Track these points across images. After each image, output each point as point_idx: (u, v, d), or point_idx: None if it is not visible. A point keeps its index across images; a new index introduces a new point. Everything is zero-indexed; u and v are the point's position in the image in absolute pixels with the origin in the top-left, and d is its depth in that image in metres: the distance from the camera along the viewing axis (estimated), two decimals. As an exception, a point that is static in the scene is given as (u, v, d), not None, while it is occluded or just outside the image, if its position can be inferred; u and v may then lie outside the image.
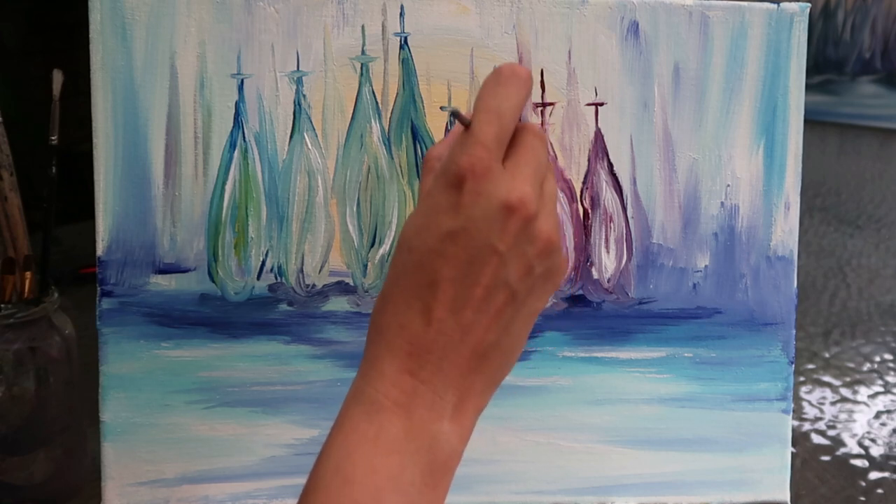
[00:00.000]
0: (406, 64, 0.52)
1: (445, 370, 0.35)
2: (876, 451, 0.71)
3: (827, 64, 1.72)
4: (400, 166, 0.53)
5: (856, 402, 0.80)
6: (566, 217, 0.54)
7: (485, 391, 0.36)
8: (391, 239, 0.53)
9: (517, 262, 0.35)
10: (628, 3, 0.53)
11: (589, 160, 0.54)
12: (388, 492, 0.33)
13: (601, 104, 0.54)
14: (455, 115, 0.37)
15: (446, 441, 0.35)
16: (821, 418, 0.76)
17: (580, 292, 0.55)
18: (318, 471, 0.34)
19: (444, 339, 0.35)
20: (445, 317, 0.34)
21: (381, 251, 0.53)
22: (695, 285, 0.55)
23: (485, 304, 0.35)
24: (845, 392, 0.82)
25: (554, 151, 0.54)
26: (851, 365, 0.88)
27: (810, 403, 0.79)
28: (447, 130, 0.53)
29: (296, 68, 0.52)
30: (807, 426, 0.75)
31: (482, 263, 0.34)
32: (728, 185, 0.55)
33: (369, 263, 0.53)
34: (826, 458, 0.70)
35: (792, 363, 0.56)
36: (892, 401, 0.80)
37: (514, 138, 0.36)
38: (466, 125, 0.35)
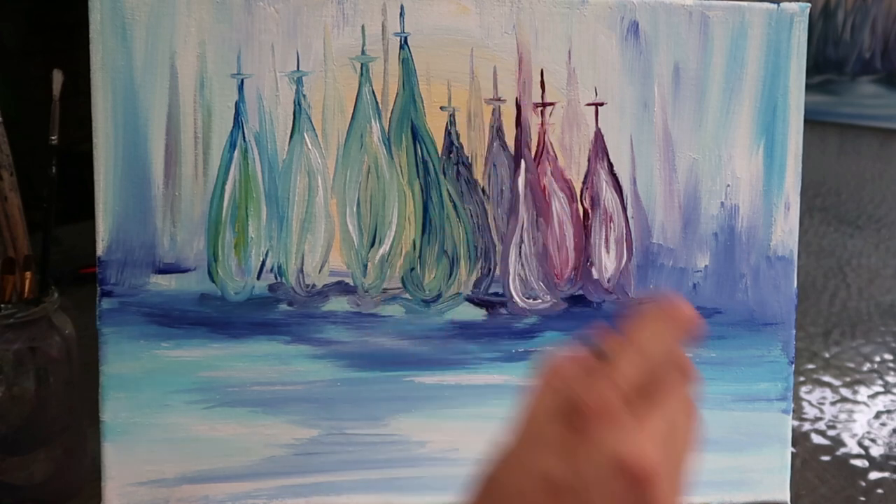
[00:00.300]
0: (406, 64, 0.52)
1: None
2: (876, 451, 0.71)
3: (827, 64, 1.72)
4: (400, 166, 0.53)
5: (856, 402, 0.80)
6: (566, 217, 0.54)
7: None
8: (391, 239, 0.53)
9: None
10: (628, 3, 0.53)
11: (589, 160, 0.54)
12: None
13: (601, 104, 0.54)
14: (587, 343, 0.32)
15: None
16: (821, 418, 0.76)
17: (580, 292, 0.55)
18: None
19: None
20: None
21: (381, 251, 0.53)
22: (695, 285, 0.55)
23: None
24: (845, 392, 0.81)
25: (554, 152, 0.54)
26: (851, 365, 0.87)
27: (810, 403, 0.79)
28: (446, 132, 0.53)
29: (296, 68, 0.52)
30: (807, 426, 0.75)
31: None
32: (728, 185, 0.55)
33: (369, 263, 0.53)
34: (826, 458, 0.70)
35: (792, 363, 0.56)
36: (892, 401, 0.80)
37: (656, 373, 0.31)
38: (603, 356, 0.31)
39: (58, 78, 0.55)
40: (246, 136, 0.52)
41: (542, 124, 0.54)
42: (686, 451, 0.32)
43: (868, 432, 0.74)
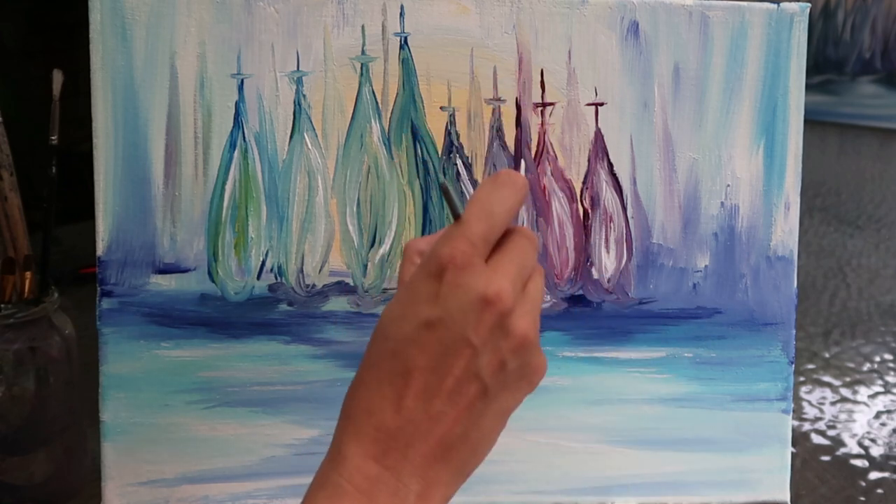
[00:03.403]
0: (406, 64, 0.52)
1: (411, 458, 0.35)
2: (876, 451, 0.71)
3: (827, 64, 1.72)
4: (400, 166, 0.53)
5: (856, 402, 0.80)
6: (566, 217, 0.54)
7: (451, 482, 0.36)
8: (391, 239, 0.53)
9: (490, 356, 0.35)
10: (628, 3, 0.53)
11: (589, 160, 0.54)
12: None
13: (601, 104, 0.54)
14: (445, 192, 0.38)
15: None
16: (821, 418, 0.76)
17: (580, 292, 0.55)
18: None
19: (411, 427, 0.35)
20: (414, 405, 0.35)
21: (380, 251, 0.53)
22: (695, 285, 0.55)
23: (455, 396, 0.35)
24: (845, 392, 0.82)
25: (554, 152, 0.54)
26: (851, 365, 0.88)
27: (810, 403, 0.79)
28: (446, 132, 0.53)
29: (296, 68, 0.52)
30: (807, 426, 0.75)
31: (455, 354, 0.34)
32: (728, 185, 0.55)
33: (369, 263, 0.53)
34: (826, 458, 0.70)
35: (792, 363, 0.56)
36: (892, 401, 0.80)
37: (504, 238, 0.37)
38: (457, 217, 0.36)
39: (58, 78, 0.55)
40: (246, 136, 0.52)
41: (542, 124, 0.54)
42: (536, 293, 0.37)
43: (868, 432, 0.74)
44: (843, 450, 0.71)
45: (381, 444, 0.35)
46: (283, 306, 0.53)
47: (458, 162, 0.53)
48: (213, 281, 0.52)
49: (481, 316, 0.34)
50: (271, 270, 0.52)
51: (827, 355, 0.90)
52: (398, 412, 0.35)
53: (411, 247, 0.39)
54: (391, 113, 0.53)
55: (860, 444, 0.72)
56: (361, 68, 0.52)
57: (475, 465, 0.37)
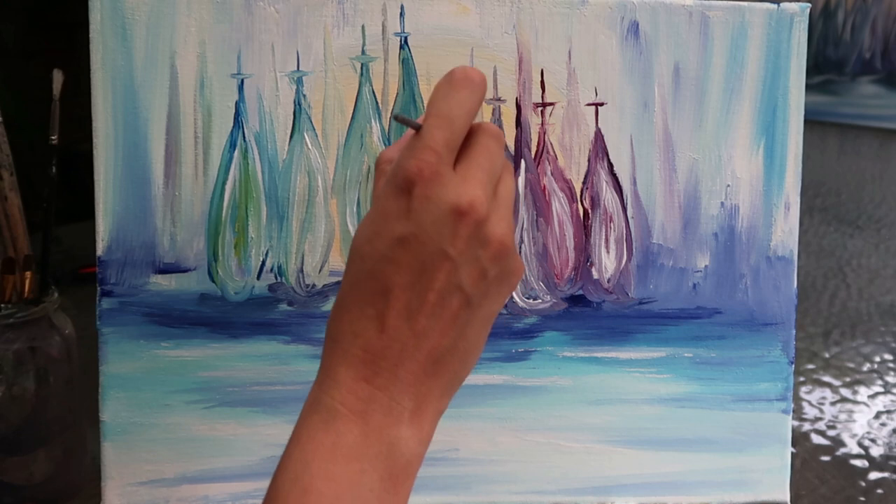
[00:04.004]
0: (406, 64, 0.52)
1: (401, 376, 0.35)
2: (876, 451, 0.71)
3: (827, 64, 1.72)
4: (400, 166, 0.53)
5: (856, 402, 0.80)
6: (566, 217, 0.54)
7: (443, 395, 0.36)
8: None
9: (469, 267, 0.35)
10: (628, 3, 0.53)
11: (589, 160, 0.54)
12: (348, 499, 0.33)
13: (601, 104, 0.54)
14: (401, 120, 0.37)
15: (405, 445, 0.35)
16: (821, 418, 0.76)
17: (580, 292, 0.55)
18: (276, 482, 0.34)
19: (398, 345, 0.35)
20: (399, 323, 0.34)
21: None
22: (695, 285, 0.55)
23: (438, 310, 0.35)
24: (845, 392, 0.81)
25: (554, 152, 0.54)
26: (851, 365, 0.88)
27: (810, 403, 0.79)
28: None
29: (296, 68, 0.52)
30: (807, 426, 0.75)
31: (434, 269, 0.34)
32: (728, 185, 0.55)
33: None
34: (826, 458, 0.70)
35: (792, 363, 0.56)
36: (892, 401, 0.80)
37: (468, 140, 0.36)
38: (417, 129, 0.35)
39: (58, 78, 0.55)
40: (246, 136, 0.52)
41: (542, 124, 0.54)
42: (507, 193, 0.36)
43: (868, 432, 0.74)
44: (843, 450, 0.71)
45: (370, 365, 0.35)
46: (283, 306, 0.53)
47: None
48: (213, 281, 0.52)
49: (456, 228, 0.34)
50: (271, 270, 0.52)
51: (827, 355, 0.90)
52: (383, 331, 0.35)
53: (382, 157, 0.39)
54: (391, 113, 0.53)
55: (860, 445, 0.72)
56: (361, 68, 0.52)
57: (465, 375, 0.37)
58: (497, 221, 0.35)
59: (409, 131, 0.36)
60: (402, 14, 0.52)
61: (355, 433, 0.34)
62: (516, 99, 0.53)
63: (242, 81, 0.51)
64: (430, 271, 0.34)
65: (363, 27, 0.52)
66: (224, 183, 0.52)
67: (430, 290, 0.34)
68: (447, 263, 0.34)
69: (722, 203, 0.55)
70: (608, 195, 0.54)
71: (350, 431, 0.34)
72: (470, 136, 0.36)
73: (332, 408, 0.35)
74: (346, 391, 0.35)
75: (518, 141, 0.54)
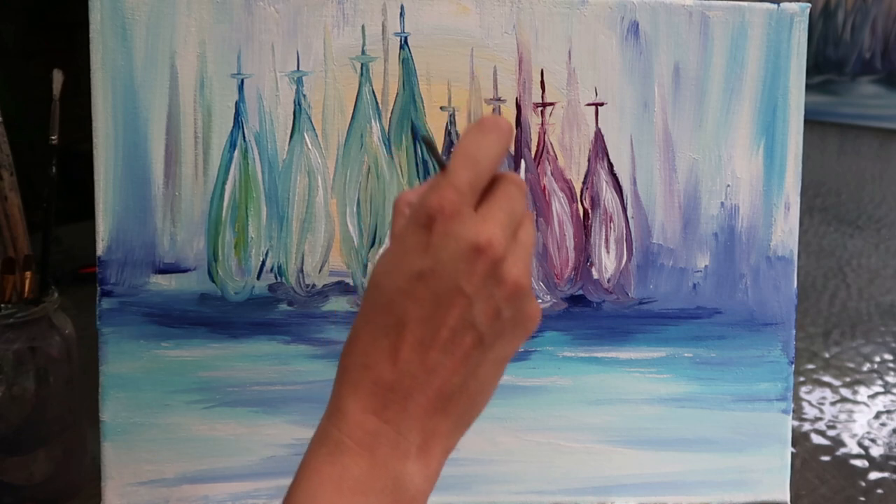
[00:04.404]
0: (406, 64, 0.52)
1: (410, 410, 0.35)
2: (876, 451, 0.71)
3: (827, 64, 1.72)
4: (400, 166, 0.53)
5: (856, 402, 0.80)
6: (566, 217, 0.54)
7: (452, 433, 0.37)
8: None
9: (484, 305, 0.35)
10: (628, 3, 0.53)
11: (589, 160, 0.54)
12: None
13: (601, 104, 0.54)
14: (428, 145, 0.38)
15: (410, 481, 0.35)
16: (821, 418, 0.76)
17: (580, 292, 0.55)
18: None
19: (409, 379, 0.35)
20: (411, 357, 0.34)
21: (381, 251, 0.53)
22: (695, 285, 0.55)
23: (451, 346, 0.35)
24: (845, 392, 0.82)
25: (554, 152, 0.54)
26: (851, 365, 0.88)
27: (810, 403, 0.79)
28: (446, 132, 0.53)
29: (296, 68, 0.52)
30: (807, 426, 0.75)
31: (449, 305, 0.34)
32: (728, 185, 0.55)
33: (369, 263, 0.53)
34: (826, 458, 0.70)
35: (792, 363, 0.56)
36: (892, 401, 0.80)
37: (492, 185, 0.36)
38: (442, 167, 0.35)
39: (58, 78, 0.55)
40: (246, 136, 0.52)
41: (542, 124, 0.54)
42: (527, 239, 0.37)
43: (868, 432, 0.74)
44: (843, 450, 0.71)
45: (379, 398, 0.35)
46: (283, 306, 0.53)
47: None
48: (213, 281, 0.52)
49: (473, 265, 0.34)
50: (271, 270, 0.52)
51: (827, 355, 0.90)
52: (395, 365, 0.35)
53: (401, 199, 0.39)
54: (391, 113, 0.53)
55: (860, 444, 0.72)
56: (361, 68, 0.52)
57: (475, 415, 0.37)
58: (514, 262, 0.35)
59: (432, 177, 0.36)
60: (402, 14, 0.52)
61: (362, 466, 0.34)
62: (516, 99, 0.53)
63: (242, 81, 0.51)
64: (444, 307, 0.34)
65: (363, 27, 0.52)
66: (224, 183, 0.52)
67: (444, 326, 0.34)
68: (462, 299, 0.34)
69: (722, 203, 0.55)
70: (608, 195, 0.54)
71: (356, 465, 0.34)
72: (493, 183, 0.36)
73: (339, 440, 0.35)
74: (354, 424, 0.35)
75: (518, 141, 0.54)
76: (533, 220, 0.38)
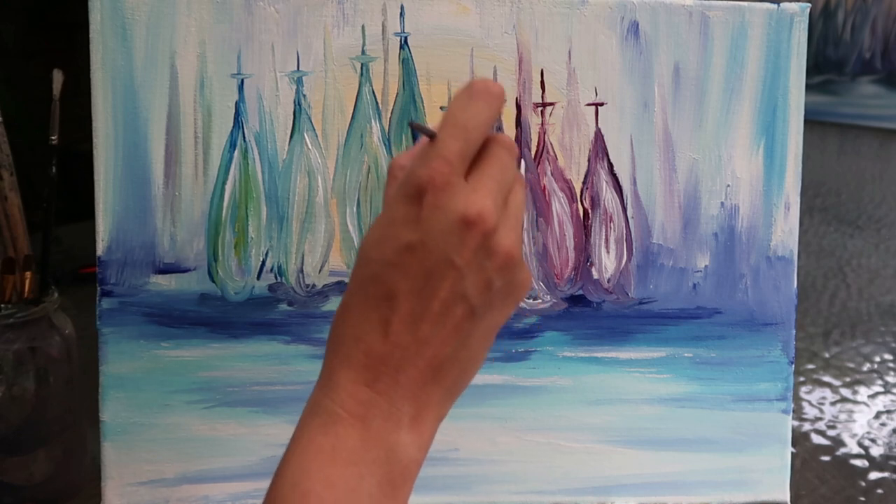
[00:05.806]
0: (406, 64, 0.52)
1: (402, 382, 0.35)
2: (876, 451, 0.71)
3: (827, 64, 1.72)
4: (400, 166, 0.53)
5: (856, 402, 0.80)
6: (566, 217, 0.54)
7: (443, 402, 0.37)
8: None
9: (476, 277, 0.34)
10: (628, 3, 0.53)
11: (589, 160, 0.54)
12: None
13: (601, 104, 0.54)
14: (416, 126, 0.37)
15: (404, 451, 0.35)
16: (821, 418, 0.76)
17: (580, 292, 0.55)
18: (275, 486, 0.34)
19: (400, 351, 0.35)
20: (402, 329, 0.34)
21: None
22: (695, 285, 0.55)
23: (442, 318, 0.35)
24: (845, 392, 0.82)
25: (554, 152, 0.54)
26: (851, 365, 0.88)
27: (810, 403, 0.79)
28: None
29: (296, 68, 0.52)
30: (807, 426, 0.75)
31: (440, 277, 0.34)
32: (728, 185, 0.55)
33: (369, 263, 0.53)
34: (826, 458, 0.70)
35: (792, 363, 0.56)
36: (892, 401, 0.80)
37: (482, 150, 0.36)
38: (432, 137, 0.35)
39: (58, 78, 0.55)
40: (246, 136, 0.52)
41: (542, 124, 0.54)
42: (517, 206, 0.36)
43: (868, 432, 0.74)
44: (843, 450, 0.71)
45: (371, 370, 0.35)
46: (283, 306, 0.53)
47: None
48: (213, 281, 0.52)
49: (464, 237, 0.34)
50: (271, 270, 0.52)
51: (827, 355, 0.90)
52: (386, 337, 0.35)
53: (395, 163, 0.38)
54: (391, 113, 0.53)
55: (860, 444, 0.72)
56: (361, 68, 0.52)
57: (466, 384, 0.37)
58: (505, 233, 0.35)
59: (424, 139, 0.36)
60: (402, 14, 0.52)
61: (354, 437, 0.34)
62: (516, 99, 0.53)
63: (242, 81, 0.51)
64: (435, 279, 0.34)
65: (363, 27, 0.52)
66: (224, 183, 0.52)
67: (435, 298, 0.34)
68: (453, 272, 0.34)
69: (722, 203, 0.55)
70: (608, 195, 0.54)
71: (349, 435, 0.34)
72: (484, 147, 0.36)
73: (332, 411, 0.35)
74: (347, 395, 0.35)
75: (518, 141, 0.54)
76: (524, 184, 0.38)
